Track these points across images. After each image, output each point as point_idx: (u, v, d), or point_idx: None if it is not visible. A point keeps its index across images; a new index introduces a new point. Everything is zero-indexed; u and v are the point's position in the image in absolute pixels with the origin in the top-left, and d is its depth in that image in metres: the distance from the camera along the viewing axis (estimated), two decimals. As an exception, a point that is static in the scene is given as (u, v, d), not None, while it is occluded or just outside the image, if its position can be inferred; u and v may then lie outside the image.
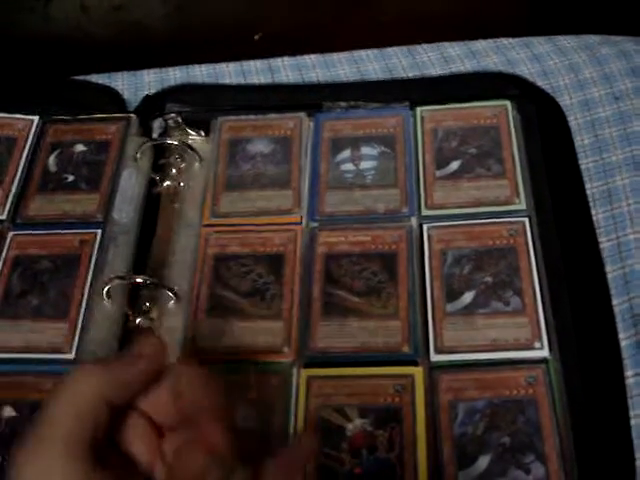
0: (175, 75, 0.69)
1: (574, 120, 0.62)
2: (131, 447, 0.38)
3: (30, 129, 0.62)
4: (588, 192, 0.58)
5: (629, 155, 0.60)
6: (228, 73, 0.69)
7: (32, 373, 0.51)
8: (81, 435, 0.35)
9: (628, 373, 0.50)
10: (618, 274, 0.54)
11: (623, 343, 0.51)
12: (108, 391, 0.37)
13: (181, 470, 0.38)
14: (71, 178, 0.60)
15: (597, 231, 0.56)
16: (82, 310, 0.53)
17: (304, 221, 0.57)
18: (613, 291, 0.53)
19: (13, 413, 0.49)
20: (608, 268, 0.54)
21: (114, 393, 0.37)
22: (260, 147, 0.61)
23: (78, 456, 0.34)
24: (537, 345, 0.49)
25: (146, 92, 0.67)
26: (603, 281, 0.53)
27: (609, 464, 0.46)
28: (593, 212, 0.57)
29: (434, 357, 0.50)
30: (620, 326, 0.52)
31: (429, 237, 0.55)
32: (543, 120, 0.61)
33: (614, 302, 0.53)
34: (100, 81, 0.68)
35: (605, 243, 0.56)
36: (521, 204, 0.55)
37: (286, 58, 0.69)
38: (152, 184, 0.60)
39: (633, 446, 0.47)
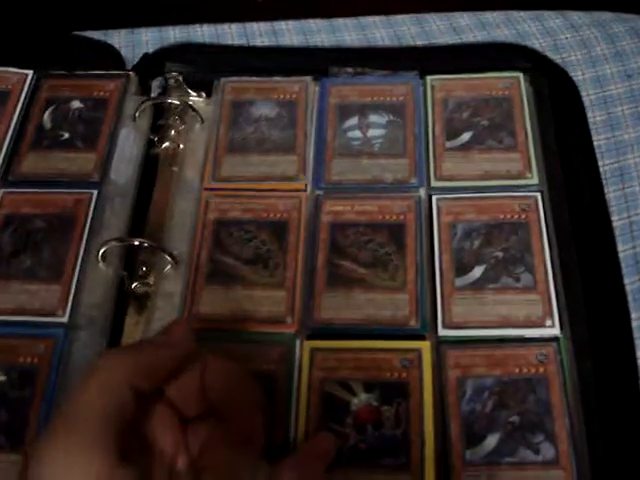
0: (175, 34, 0.66)
1: (586, 96, 0.61)
2: (155, 436, 0.37)
3: (24, 83, 0.59)
4: (600, 170, 0.56)
5: (642, 134, 0.59)
6: (230, 34, 0.66)
7: (23, 336, 0.48)
8: (107, 426, 0.33)
9: (639, 353, 0.49)
10: (629, 254, 0.53)
11: (634, 323, 0.50)
12: (136, 378, 0.35)
13: (209, 465, 0.36)
14: (67, 135, 0.57)
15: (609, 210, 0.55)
16: (76, 272, 0.51)
17: (309, 188, 0.55)
18: (624, 270, 0.52)
19: (2, 377, 0.47)
20: (619, 247, 0.53)
21: (142, 380, 0.35)
22: (264, 110, 0.59)
23: (103, 448, 0.32)
24: (548, 323, 0.48)
25: (144, 51, 0.64)
26: (615, 259, 0.52)
27: (620, 445, 0.45)
28: (604, 190, 0.55)
29: (442, 332, 0.48)
30: (632, 306, 0.51)
31: (438, 209, 0.53)
32: (555, 94, 0.59)
33: (625, 281, 0.51)
34: (96, 38, 0.65)
35: (616, 222, 0.54)
36: (533, 178, 0.54)
37: (290, 22, 0.67)
38: (151, 145, 0.58)
39: (644, 428, 0.46)
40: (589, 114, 0.60)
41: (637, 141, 0.58)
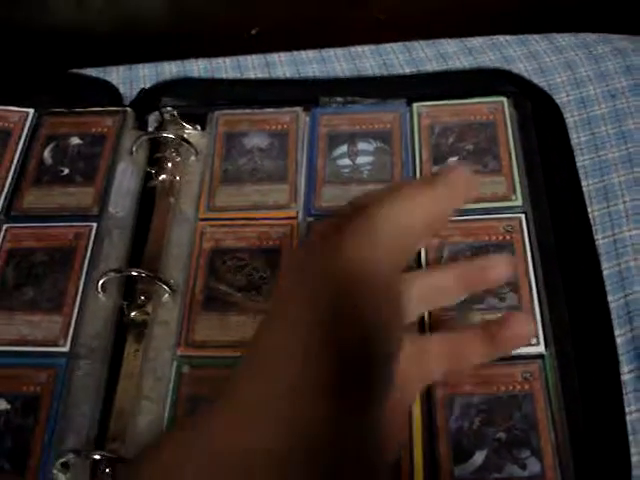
0: (171, 69, 0.69)
1: (570, 117, 0.62)
2: None
3: (25, 121, 0.62)
4: (584, 189, 0.58)
5: (625, 153, 0.60)
6: (224, 68, 0.68)
7: (26, 366, 0.50)
8: None
9: (624, 369, 0.50)
10: (614, 271, 0.54)
11: (619, 340, 0.51)
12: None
13: None
14: (66, 171, 0.59)
15: (593, 228, 0.56)
16: (77, 303, 0.53)
17: (300, 215, 0.57)
18: (608, 288, 0.53)
19: (7, 406, 0.49)
20: (604, 265, 0.54)
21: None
22: (256, 141, 0.61)
23: None
24: (533, 341, 0.49)
25: (142, 86, 0.67)
26: (599, 278, 0.53)
27: (604, 459, 0.46)
28: (589, 210, 0.57)
29: (431, 353, 0.50)
30: (616, 323, 0.52)
31: (425, 233, 0.55)
32: (539, 117, 0.61)
33: (609, 299, 0.53)
34: (95, 74, 0.68)
35: (601, 240, 0.56)
36: (517, 200, 0.55)
37: (282, 53, 0.69)
38: (148, 178, 0.60)
39: (628, 442, 0.47)
40: (574, 135, 0.61)
41: (621, 160, 0.59)
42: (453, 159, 0.58)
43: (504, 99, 0.61)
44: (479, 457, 0.46)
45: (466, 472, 0.46)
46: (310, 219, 0.56)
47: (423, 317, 0.51)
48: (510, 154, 0.58)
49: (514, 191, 0.56)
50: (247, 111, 0.63)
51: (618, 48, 0.67)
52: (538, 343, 0.49)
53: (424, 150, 0.59)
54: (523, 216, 0.55)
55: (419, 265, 0.53)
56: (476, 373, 0.48)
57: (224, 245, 0.55)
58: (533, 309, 0.51)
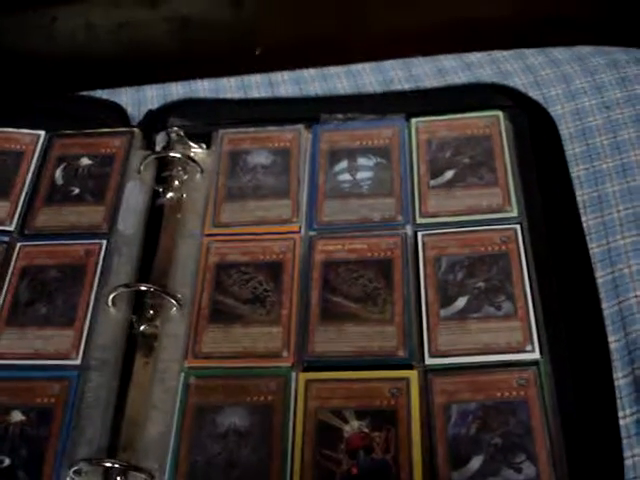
0: (178, 90, 0.71)
1: (566, 129, 0.64)
2: None
3: (37, 143, 0.64)
4: (579, 199, 0.59)
5: (619, 163, 0.61)
6: (229, 88, 0.71)
7: (40, 379, 0.52)
8: None
9: (618, 374, 0.51)
10: (608, 278, 0.56)
11: (613, 345, 0.52)
12: None
13: None
14: (77, 191, 0.62)
15: (588, 237, 0.57)
16: (88, 317, 0.55)
17: (303, 230, 0.58)
18: (603, 295, 0.55)
19: (22, 417, 0.51)
20: (599, 273, 0.56)
21: None
22: (260, 159, 0.63)
23: None
24: (528, 348, 0.51)
25: (150, 107, 0.69)
26: (593, 285, 0.55)
27: (598, 463, 0.47)
28: (584, 218, 0.58)
29: (429, 360, 0.51)
30: (610, 329, 0.53)
31: (423, 244, 0.56)
32: (535, 129, 0.62)
33: (604, 305, 0.54)
34: (105, 97, 0.70)
35: (596, 249, 0.57)
36: (513, 211, 0.57)
37: (285, 72, 0.71)
38: (156, 196, 0.62)
39: (622, 445, 0.48)
40: (569, 146, 0.63)
41: (615, 170, 0.61)
42: (450, 172, 0.60)
43: (500, 113, 0.62)
44: (476, 462, 0.47)
45: (463, 477, 0.47)
46: (312, 233, 0.58)
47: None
48: (506, 166, 0.59)
49: (509, 202, 0.57)
50: (250, 129, 0.65)
51: (613, 60, 0.68)
52: (533, 350, 0.51)
53: (422, 164, 0.61)
54: (518, 227, 0.56)
55: (417, 279, 0.55)
56: (473, 380, 0.50)
57: (229, 259, 0.57)
58: (528, 316, 0.52)
